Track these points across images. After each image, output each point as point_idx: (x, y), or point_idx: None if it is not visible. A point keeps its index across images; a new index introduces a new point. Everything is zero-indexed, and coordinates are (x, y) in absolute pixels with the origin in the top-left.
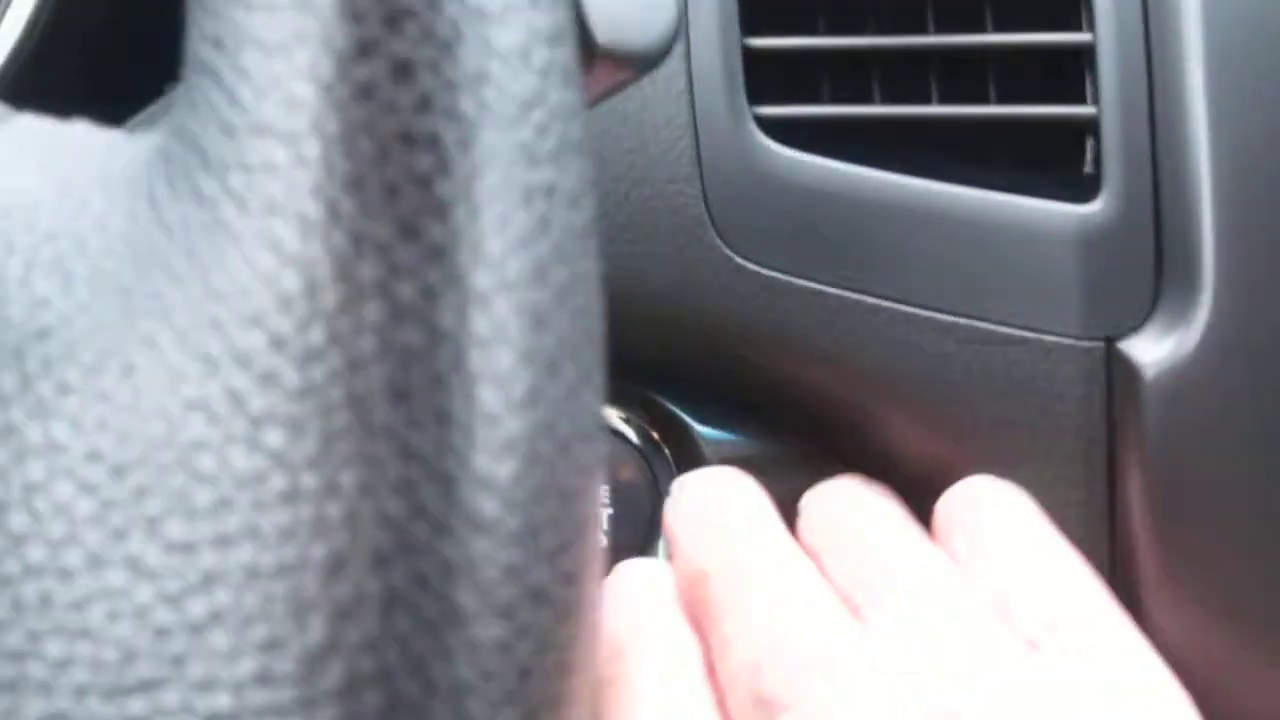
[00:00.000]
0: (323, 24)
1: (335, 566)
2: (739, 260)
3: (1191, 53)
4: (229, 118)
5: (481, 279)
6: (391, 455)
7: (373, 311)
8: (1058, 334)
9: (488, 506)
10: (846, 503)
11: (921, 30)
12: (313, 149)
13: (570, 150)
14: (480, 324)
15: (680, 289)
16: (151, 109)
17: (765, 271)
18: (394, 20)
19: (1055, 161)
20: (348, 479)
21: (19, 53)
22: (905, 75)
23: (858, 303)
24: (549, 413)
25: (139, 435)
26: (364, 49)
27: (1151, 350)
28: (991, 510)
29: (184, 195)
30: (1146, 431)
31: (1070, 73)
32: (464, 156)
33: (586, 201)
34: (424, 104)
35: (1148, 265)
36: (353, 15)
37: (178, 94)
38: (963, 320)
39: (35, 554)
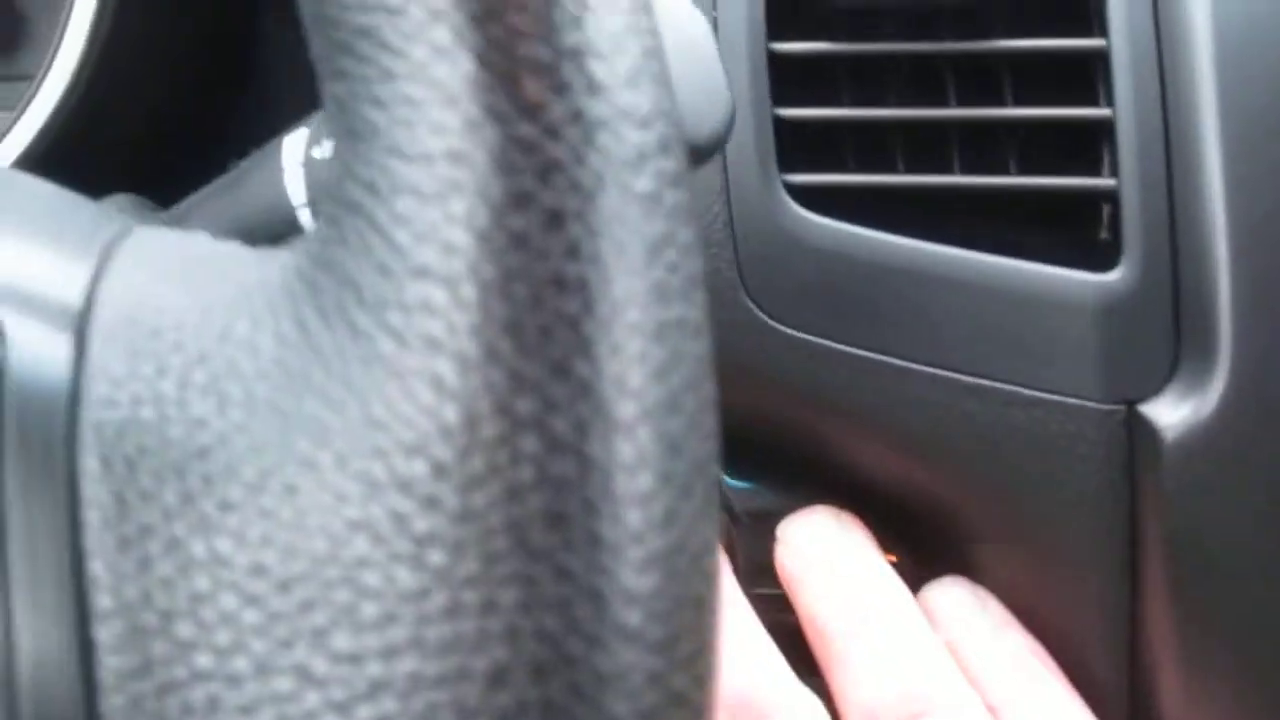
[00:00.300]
0: (477, 176)
1: (497, 677)
2: (770, 322)
3: (1208, 125)
4: (384, 259)
5: (625, 409)
6: (548, 576)
7: (530, 444)
8: (1080, 397)
9: (634, 619)
10: (823, 532)
11: (943, 101)
12: (471, 292)
13: (695, 284)
14: (625, 451)
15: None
16: (208, 191)
17: (795, 333)
18: (544, 172)
19: (1071, 221)
20: (507, 597)
21: (52, 125)
22: (928, 144)
23: (885, 364)
24: (684, 530)
25: (304, 552)
26: (518, 201)
27: (1171, 413)
28: (970, 599)
29: (338, 327)
30: (1166, 491)
31: (1087, 139)
32: (606, 298)
33: (706, 331)
34: (572, 251)
35: (1167, 332)
36: (506, 168)
37: (321, 229)
38: (987, 382)
39: (203, 660)
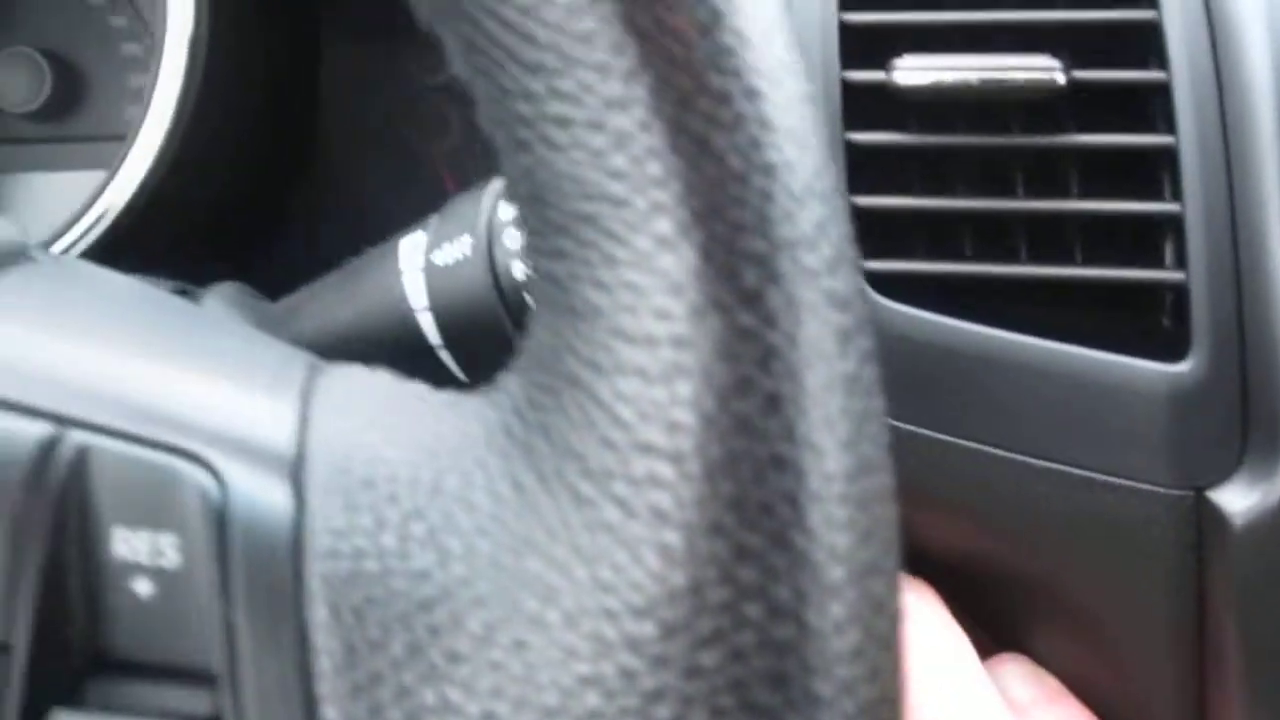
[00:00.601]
0: (702, 361)
1: None
2: None
3: (1274, 217)
4: (609, 434)
5: (836, 574)
6: None
7: (753, 610)
8: (1149, 482)
9: None
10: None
11: (1011, 191)
12: (697, 469)
13: (888, 453)
14: (837, 613)
15: None
16: (320, 286)
17: None
18: (764, 359)
19: (1134, 308)
20: None
21: (124, 216)
22: (995, 233)
23: (957, 446)
24: (887, 680)
25: (534, 704)
26: (740, 386)
27: (1239, 500)
28: (1032, 676)
29: (559, 493)
30: (1234, 576)
31: (1149, 228)
32: (820, 473)
33: (896, 495)
34: (788, 433)
35: (1235, 420)
36: (729, 355)
37: (528, 390)
38: (1058, 466)
39: None
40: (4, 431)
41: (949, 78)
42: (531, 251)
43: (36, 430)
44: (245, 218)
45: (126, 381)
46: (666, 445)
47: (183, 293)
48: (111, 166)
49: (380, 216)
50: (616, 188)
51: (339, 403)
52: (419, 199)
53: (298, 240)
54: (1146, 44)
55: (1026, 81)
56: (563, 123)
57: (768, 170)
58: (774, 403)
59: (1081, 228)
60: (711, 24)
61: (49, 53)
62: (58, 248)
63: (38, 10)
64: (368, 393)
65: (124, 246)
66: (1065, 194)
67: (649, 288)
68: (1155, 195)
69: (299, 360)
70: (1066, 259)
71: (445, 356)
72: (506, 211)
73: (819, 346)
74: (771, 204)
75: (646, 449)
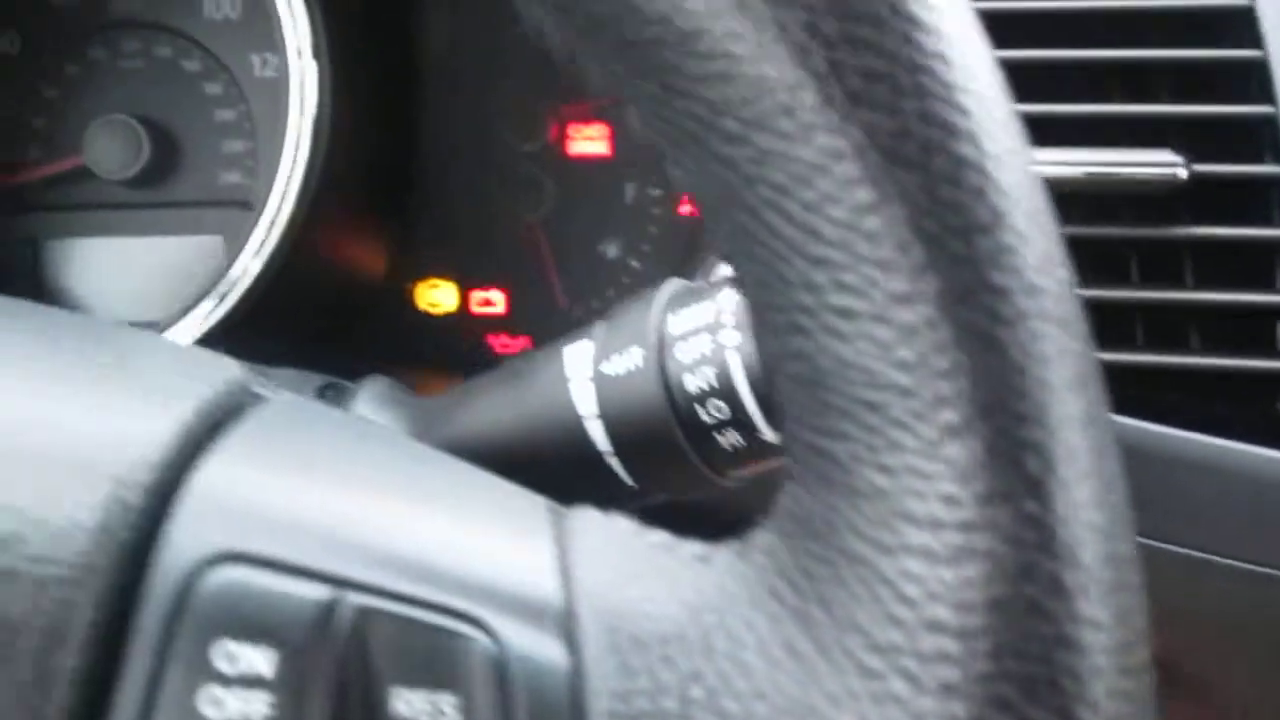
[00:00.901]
0: (989, 546)
1: None
2: None
3: None
4: (895, 611)
5: None
6: None
7: None
8: None
9: None
10: None
11: (1125, 280)
12: (986, 647)
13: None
14: None
15: None
16: (480, 386)
17: None
18: (1047, 544)
19: (1248, 394)
20: None
21: (246, 297)
22: (1112, 321)
23: None
24: None
25: None
26: (1027, 570)
27: None
28: None
29: (843, 664)
30: None
31: (1267, 316)
32: (1100, 650)
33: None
34: (1072, 613)
35: None
36: (1015, 541)
37: (791, 553)
38: (1218, 559)
39: None
40: (286, 595)
41: (1071, 172)
42: (800, 426)
43: (316, 593)
44: (354, 289)
45: (393, 539)
46: (955, 624)
47: (332, 386)
48: (236, 240)
49: (475, 279)
50: (904, 379)
51: (593, 554)
52: (515, 262)
53: (395, 299)
54: (1263, 138)
55: (1148, 176)
56: (847, 314)
57: (1046, 362)
58: (1057, 584)
59: (1197, 314)
60: (992, 223)
61: (145, 119)
62: (184, 324)
63: (134, 78)
64: (617, 542)
65: (248, 323)
66: (1180, 283)
67: (935, 474)
68: (1271, 285)
69: (539, 505)
70: (1183, 346)
71: (614, 463)
72: (676, 325)
73: (1094, 527)
74: (1050, 393)
75: (935, 627)
